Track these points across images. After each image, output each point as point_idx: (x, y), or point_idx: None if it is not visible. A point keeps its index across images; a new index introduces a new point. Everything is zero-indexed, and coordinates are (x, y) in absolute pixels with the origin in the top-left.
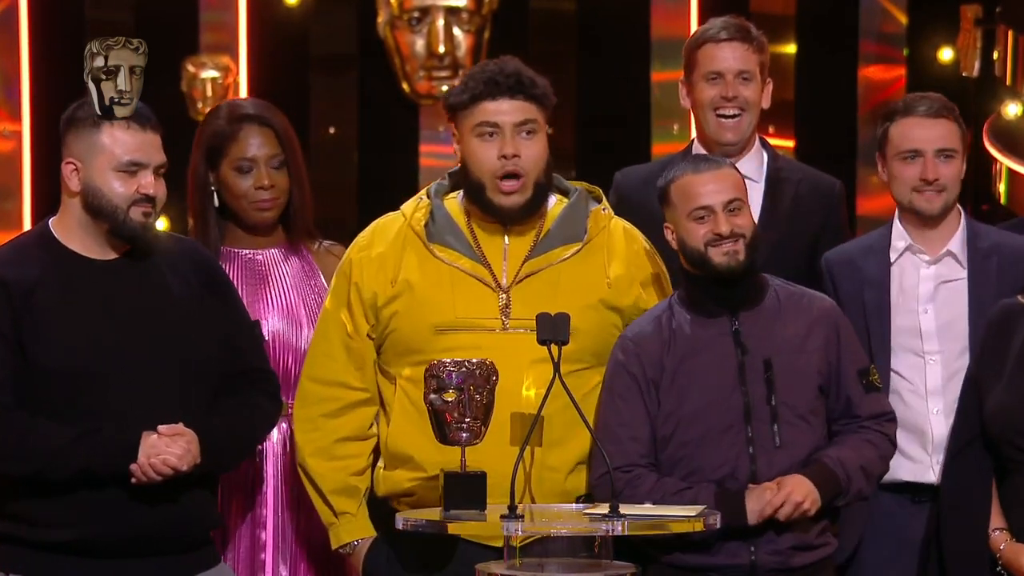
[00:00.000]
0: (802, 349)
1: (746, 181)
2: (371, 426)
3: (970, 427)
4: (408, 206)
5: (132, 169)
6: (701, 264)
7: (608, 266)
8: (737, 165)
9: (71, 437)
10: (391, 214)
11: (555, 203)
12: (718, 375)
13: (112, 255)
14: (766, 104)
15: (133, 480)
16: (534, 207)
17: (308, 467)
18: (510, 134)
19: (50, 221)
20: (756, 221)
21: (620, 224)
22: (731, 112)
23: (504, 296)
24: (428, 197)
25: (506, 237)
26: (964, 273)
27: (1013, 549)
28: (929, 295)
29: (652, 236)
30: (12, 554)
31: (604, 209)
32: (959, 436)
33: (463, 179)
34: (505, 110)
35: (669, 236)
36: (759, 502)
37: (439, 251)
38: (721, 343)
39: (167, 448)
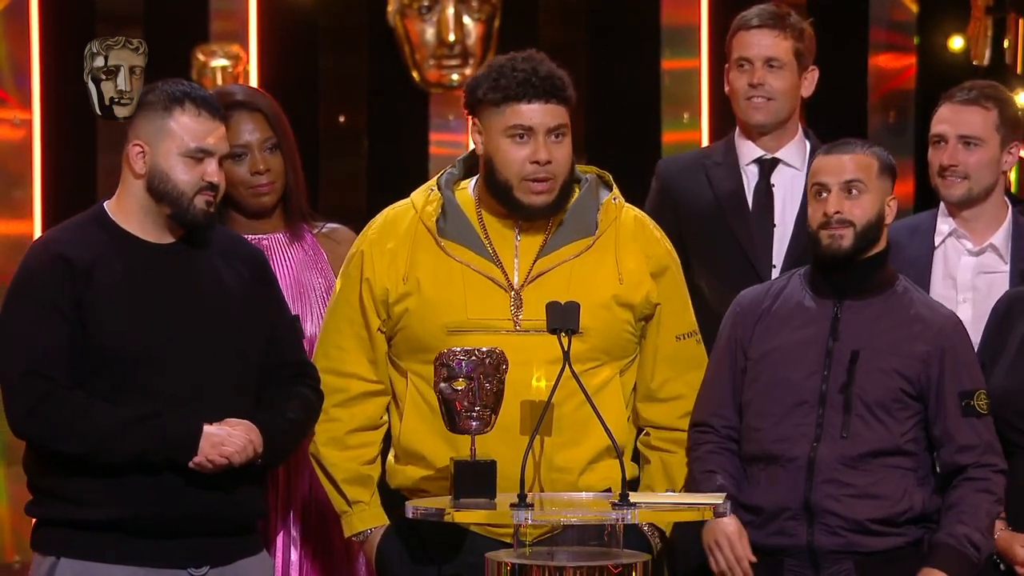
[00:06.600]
0: (897, 352)
1: (788, 170)
2: (382, 415)
3: None
4: (418, 197)
5: (199, 156)
6: (813, 246)
7: (620, 261)
8: (778, 154)
9: (129, 420)
10: (400, 204)
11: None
12: (805, 354)
13: (169, 239)
14: (807, 92)
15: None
16: (559, 205)
17: (321, 456)
18: (543, 139)
19: (105, 203)
20: (799, 210)
21: (631, 213)
22: (758, 99)
23: (516, 296)
24: (439, 189)
25: (518, 232)
26: (1006, 268)
27: (1006, 538)
28: (968, 284)
29: (693, 224)
30: (61, 536)
31: (615, 199)
32: None
33: (487, 175)
34: (539, 114)
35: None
36: None
37: (451, 248)
38: (818, 324)
39: (228, 440)
